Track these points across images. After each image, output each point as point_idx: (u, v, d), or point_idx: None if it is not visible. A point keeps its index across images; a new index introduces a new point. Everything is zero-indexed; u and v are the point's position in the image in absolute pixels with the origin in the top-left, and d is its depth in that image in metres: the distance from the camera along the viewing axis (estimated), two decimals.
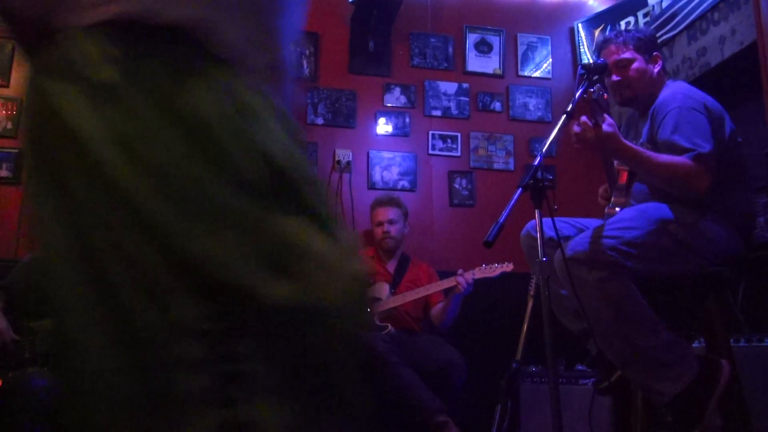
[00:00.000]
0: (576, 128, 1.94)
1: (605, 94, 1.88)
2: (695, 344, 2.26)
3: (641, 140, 2.17)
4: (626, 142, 1.98)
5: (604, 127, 1.88)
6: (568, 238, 2.16)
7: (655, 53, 2.21)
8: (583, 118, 1.92)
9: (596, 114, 1.88)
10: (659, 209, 2.00)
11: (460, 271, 3.05)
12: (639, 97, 2.20)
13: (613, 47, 2.19)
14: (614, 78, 2.18)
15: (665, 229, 1.95)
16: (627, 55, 2.16)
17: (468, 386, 2.86)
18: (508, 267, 2.98)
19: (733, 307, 2.24)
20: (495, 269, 2.99)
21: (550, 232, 1.88)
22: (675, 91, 2.12)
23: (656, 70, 2.20)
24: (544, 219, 1.84)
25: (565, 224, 2.27)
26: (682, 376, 1.83)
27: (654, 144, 2.09)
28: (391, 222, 3.30)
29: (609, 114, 1.93)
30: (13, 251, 3.15)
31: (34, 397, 2.13)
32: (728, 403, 1.88)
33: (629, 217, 2.01)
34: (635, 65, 2.16)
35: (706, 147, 1.91)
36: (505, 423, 2.68)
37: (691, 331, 2.21)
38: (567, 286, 1.99)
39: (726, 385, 1.81)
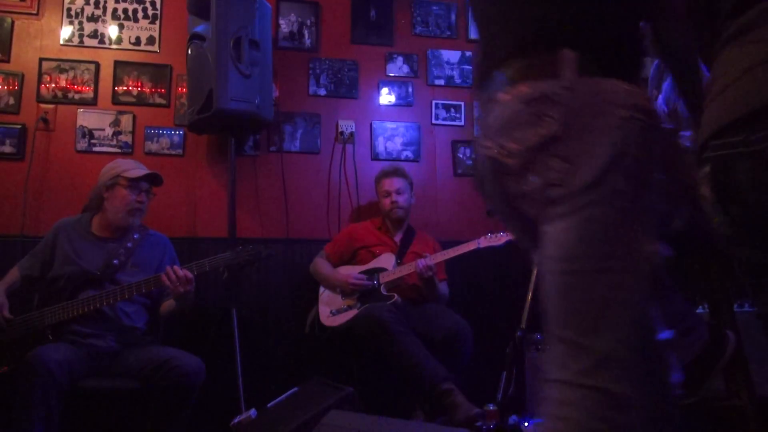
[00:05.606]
0: None
1: None
2: (699, 310, 2.27)
3: None
4: None
5: None
6: None
7: None
8: None
9: None
10: None
11: (426, 254, 3.09)
12: None
13: None
14: None
15: None
16: None
17: (474, 354, 2.88)
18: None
19: (738, 272, 2.23)
20: (501, 238, 3.00)
21: None
22: None
23: None
24: None
25: None
26: (693, 345, 1.84)
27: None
28: (398, 192, 3.31)
29: None
30: (18, 227, 3.17)
31: (48, 372, 2.11)
32: (731, 369, 1.90)
33: None
34: None
35: None
36: (511, 390, 2.71)
37: (695, 297, 2.22)
38: None
39: (731, 355, 1.82)
